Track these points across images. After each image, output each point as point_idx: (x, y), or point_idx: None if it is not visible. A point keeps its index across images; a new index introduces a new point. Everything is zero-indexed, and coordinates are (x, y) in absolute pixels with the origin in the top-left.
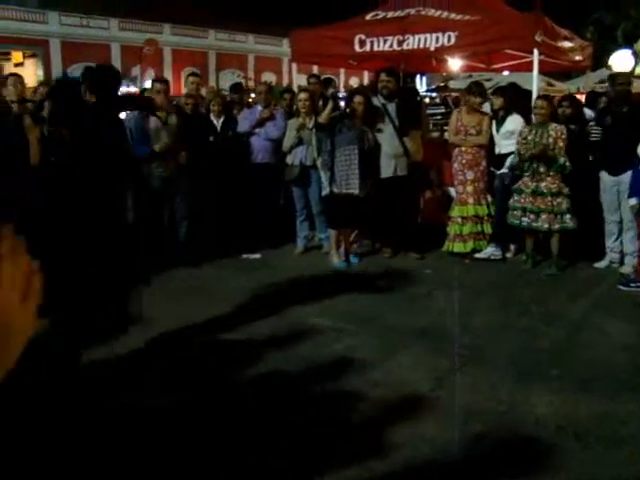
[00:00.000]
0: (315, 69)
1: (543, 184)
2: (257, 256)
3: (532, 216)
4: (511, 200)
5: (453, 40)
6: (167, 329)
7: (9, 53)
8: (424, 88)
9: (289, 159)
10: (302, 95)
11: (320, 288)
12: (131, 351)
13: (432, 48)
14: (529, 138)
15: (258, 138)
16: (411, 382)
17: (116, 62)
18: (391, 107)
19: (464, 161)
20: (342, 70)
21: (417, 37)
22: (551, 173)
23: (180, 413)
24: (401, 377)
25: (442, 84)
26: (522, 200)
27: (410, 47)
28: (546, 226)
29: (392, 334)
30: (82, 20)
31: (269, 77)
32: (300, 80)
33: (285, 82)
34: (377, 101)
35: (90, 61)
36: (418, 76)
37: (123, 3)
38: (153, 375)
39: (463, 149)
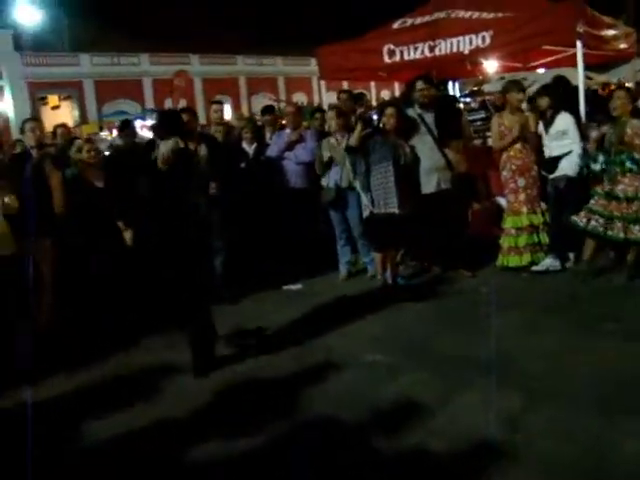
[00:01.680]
0: (345, 85)
1: (619, 187)
2: (299, 286)
3: (601, 220)
4: (590, 203)
5: (488, 41)
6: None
7: (45, 97)
8: (457, 94)
9: (324, 181)
10: (330, 114)
11: (368, 317)
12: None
13: (466, 51)
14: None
15: (290, 162)
16: (481, 427)
17: (148, 96)
18: (429, 117)
19: (514, 167)
20: (372, 84)
21: (449, 41)
22: (627, 174)
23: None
24: (468, 422)
25: (475, 88)
26: (593, 202)
27: (442, 52)
28: (622, 235)
29: (452, 368)
30: (113, 58)
31: (300, 98)
32: (330, 98)
33: (317, 101)
34: (413, 112)
35: (123, 98)
36: (450, 82)
37: (151, 38)
38: (200, 414)
39: (512, 154)
